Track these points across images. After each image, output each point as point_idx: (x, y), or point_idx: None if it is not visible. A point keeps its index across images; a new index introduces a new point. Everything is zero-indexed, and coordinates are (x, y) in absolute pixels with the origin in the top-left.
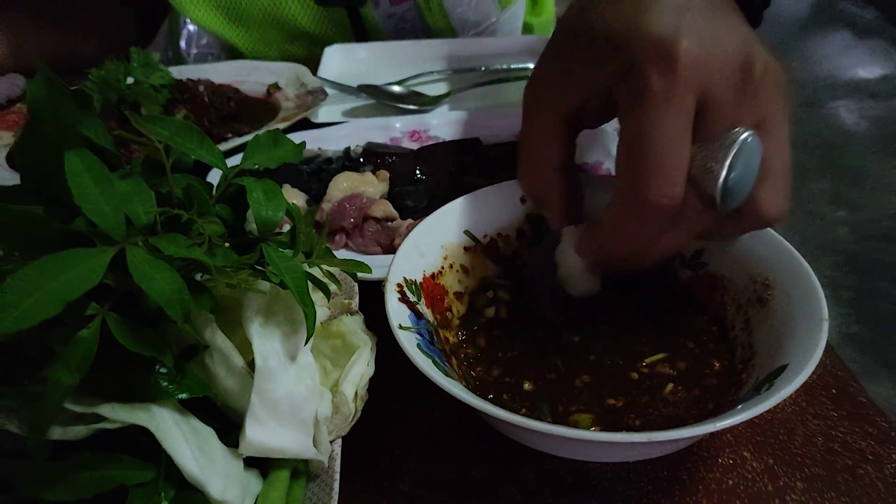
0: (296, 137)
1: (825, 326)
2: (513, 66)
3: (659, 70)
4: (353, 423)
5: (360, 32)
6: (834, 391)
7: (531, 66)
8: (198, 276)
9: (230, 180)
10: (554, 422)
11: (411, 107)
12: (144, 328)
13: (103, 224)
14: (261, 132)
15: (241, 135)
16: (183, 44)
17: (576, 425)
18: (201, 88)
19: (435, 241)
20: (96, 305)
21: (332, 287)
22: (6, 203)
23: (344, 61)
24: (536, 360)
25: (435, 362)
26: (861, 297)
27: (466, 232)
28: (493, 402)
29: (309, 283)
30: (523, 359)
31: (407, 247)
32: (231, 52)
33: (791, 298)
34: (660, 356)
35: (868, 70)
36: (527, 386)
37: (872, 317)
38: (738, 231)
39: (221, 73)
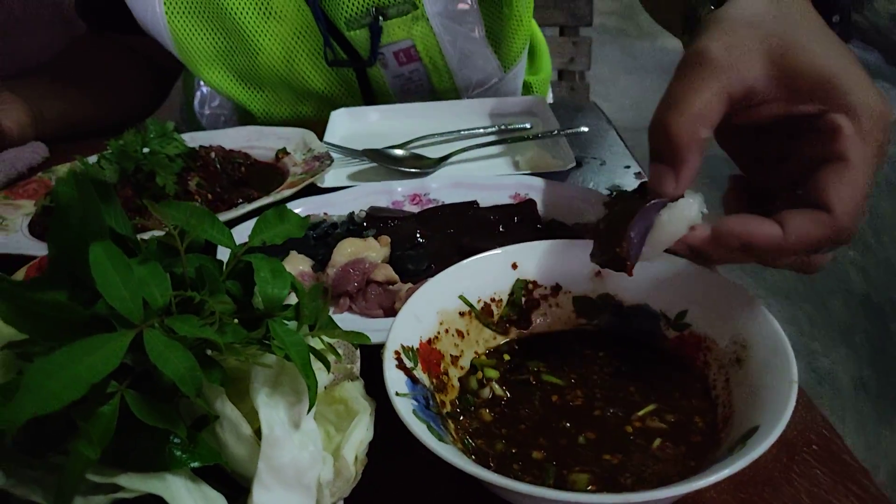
0: (303, 203)
1: (795, 388)
2: (511, 127)
3: (882, 126)
4: (353, 486)
5: (368, 93)
6: (815, 447)
7: (528, 126)
8: (209, 351)
9: (239, 257)
10: (555, 484)
11: (412, 170)
12: (159, 402)
13: (123, 309)
14: (269, 199)
15: (251, 200)
16: (196, 104)
17: (573, 485)
18: (213, 155)
19: (430, 307)
20: (116, 384)
21: (332, 358)
22: (35, 292)
23: (350, 124)
24: (544, 429)
25: (430, 427)
26: (874, 340)
27: (461, 297)
28: (501, 472)
29: (311, 355)
30: (530, 430)
31: (404, 314)
32: (243, 112)
33: (764, 360)
34: (651, 407)
35: None
36: (535, 455)
37: (886, 361)
38: (791, 266)
39: (232, 138)
